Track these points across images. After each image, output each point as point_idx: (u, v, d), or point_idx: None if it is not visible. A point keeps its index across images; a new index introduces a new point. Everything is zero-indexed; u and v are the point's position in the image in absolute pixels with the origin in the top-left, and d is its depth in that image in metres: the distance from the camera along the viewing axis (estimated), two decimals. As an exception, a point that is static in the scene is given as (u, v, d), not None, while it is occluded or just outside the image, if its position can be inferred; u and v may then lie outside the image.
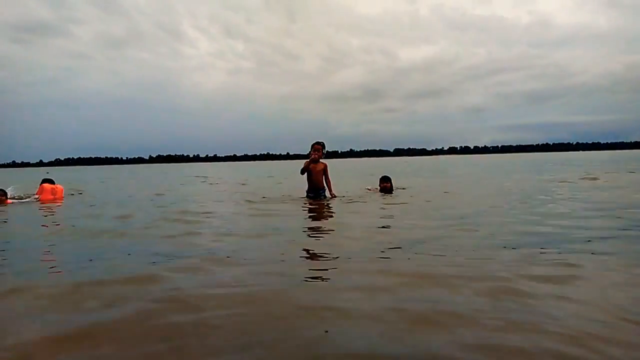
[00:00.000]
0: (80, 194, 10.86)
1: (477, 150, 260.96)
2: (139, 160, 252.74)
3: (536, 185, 10.18)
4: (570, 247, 3.42)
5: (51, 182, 9.25)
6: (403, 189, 9.44)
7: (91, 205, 7.99)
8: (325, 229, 4.69)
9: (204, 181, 17.26)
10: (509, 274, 2.63)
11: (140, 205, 7.60)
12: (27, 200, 8.67)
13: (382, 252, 3.38)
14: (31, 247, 3.94)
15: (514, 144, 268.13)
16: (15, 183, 10.46)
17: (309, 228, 4.81)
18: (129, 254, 3.47)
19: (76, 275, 2.84)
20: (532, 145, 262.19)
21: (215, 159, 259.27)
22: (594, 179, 11.23)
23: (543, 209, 5.82)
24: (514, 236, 3.96)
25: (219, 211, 6.55)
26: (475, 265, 2.91)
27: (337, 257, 3.24)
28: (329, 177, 7.82)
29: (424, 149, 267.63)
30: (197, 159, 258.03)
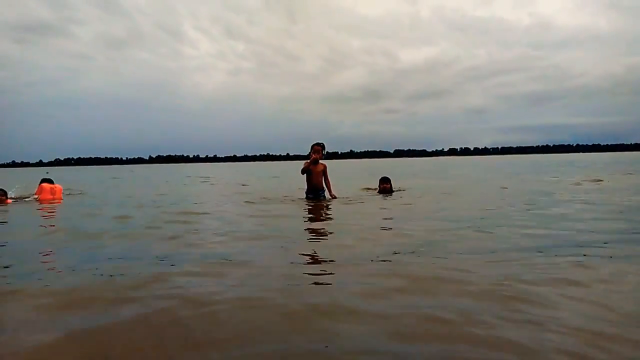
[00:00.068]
0: (80, 194, 10.85)
1: (478, 151, 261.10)
2: (139, 161, 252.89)
3: (539, 186, 10.15)
4: (580, 250, 3.34)
5: (50, 181, 9.24)
6: (403, 190, 9.41)
7: (91, 206, 7.97)
8: (326, 230, 4.65)
9: (205, 181, 17.25)
10: (516, 277, 2.57)
11: (142, 206, 7.59)
12: (26, 199, 8.66)
13: (384, 254, 3.33)
14: (32, 249, 3.89)
15: (515, 146, 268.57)
16: (15, 183, 10.46)
17: (310, 230, 4.77)
18: (130, 256, 3.43)
19: (77, 277, 2.81)
20: (532, 147, 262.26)
21: (215, 159, 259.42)
22: (598, 180, 11.19)
23: (547, 210, 5.76)
24: (520, 239, 3.91)
25: (220, 212, 6.53)
26: (481, 268, 2.87)
27: (339, 260, 3.20)
28: (329, 178, 7.79)
29: (424, 150, 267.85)
30: (197, 159, 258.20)
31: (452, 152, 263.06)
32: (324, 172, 7.71)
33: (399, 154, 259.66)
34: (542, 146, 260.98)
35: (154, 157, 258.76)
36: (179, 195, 10.17)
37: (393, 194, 8.58)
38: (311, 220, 5.71)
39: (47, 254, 3.69)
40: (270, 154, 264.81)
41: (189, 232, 4.58)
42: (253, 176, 22.05)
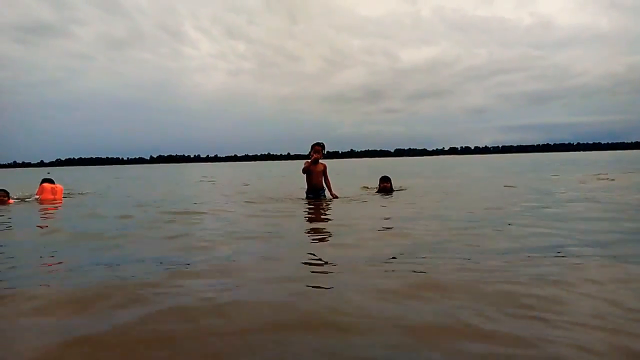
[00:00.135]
0: (81, 194, 10.86)
1: (478, 150, 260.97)
2: (140, 161, 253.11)
3: (542, 184, 10.13)
4: (586, 250, 3.29)
5: (51, 182, 9.26)
6: (403, 189, 9.41)
7: (93, 206, 7.98)
8: (326, 231, 4.62)
9: (204, 181, 17.25)
10: (522, 281, 2.54)
11: (142, 206, 7.59)
12: (28, 200, 8.68)
13: (387, 256, 3.27)
14: (34, 250, 3.87)
15: (515, 144, 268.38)
16: (16, 183, 10.47)
17: (310, 230, 4.74)
18: (130, 259, 3.41)
19: (79, 280, 2.78)
20: (533, 146, 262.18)
21: (215, 159, 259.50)
22: (602, 178, 11.19)
23: (552, 209, 5.71)
24: (525, 238, 3.86)
25: (221, 212, 6.53)
26: (487, 269, 2.83)
27: (339, 261, 3.15)
28: (329, 178, 7.81)
29: (425, 149, 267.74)
30: (197, 159, 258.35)
31: (453, 151, 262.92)
32: (324, 171, 7.72)
33: (399, 153, 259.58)
34: (543, 145, 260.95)
35: (155, 157, 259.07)
36: (182, 196, 10.18)
37: (393, 193, 8.58)
38: (312, 220, 5.70)
39: (48, 256, 3.65)
40: (271, 153, 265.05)
41: (189, 233, 4.57)
42: (255, 176, 22.05)
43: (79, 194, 10.74)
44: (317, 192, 7.71)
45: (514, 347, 1.71)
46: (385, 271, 2.85)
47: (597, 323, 1.92)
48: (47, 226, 5.56)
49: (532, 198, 7.19)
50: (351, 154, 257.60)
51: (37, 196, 8.72)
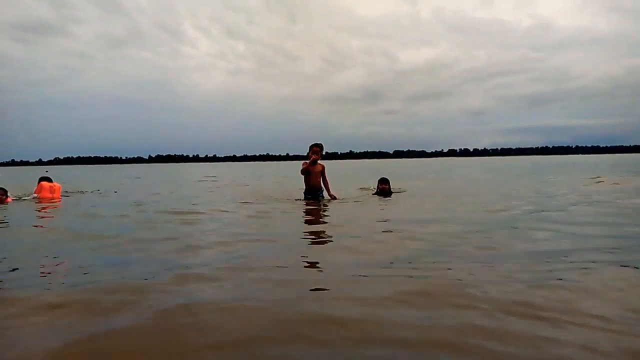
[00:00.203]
0: (79, 192, 10.86)
1: (477, 152, 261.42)
2: (139, 160, 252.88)
3: (541, 187, 10.14)
4: (592, 255, 3.28)
5: (49, 180, 9.25)
6: (402, 191, 9.41)
7: (92, 206, 7.96)
8: (324, 234, 4.57)
9: (204, 181, 17.24)
10: (527, 287, 2.48)
11: (141, 206, 7.58)
12: (26, 198, 8.67)
13: (384, 261, 3.21)
14: (32, 251, 3.82)
15: (514, 147, 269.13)
16: (14, 181, 10.45)
17: (308, 232, 4.68)
18: (127, 260, 3.38)
19: (76, 282, 2.74)
20: (531, 148, 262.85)
21: (214, 159, 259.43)
22: (606, 182, 11.18)
23: (552, 213, 5.65)
24: (525, 243, 3.80)
25: (219, 213, 6.52)
26: (487, 275, 2.76)
27: (336, 266, 3.10)
28: (327, 179, 7.82)
29: (424, 151, 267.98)
30: (196, 159, 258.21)
31: (452, 153, 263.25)
32: (323, 172, 7.73)
33: (398, 154, 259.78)
34: (542, 147, 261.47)
35: (154, 156, 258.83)
36: (180, 195, 10.17)
37: (392, 195, 8.57)
38: (310, 222, 5.66)
39: (46, 257, 3.61)
40: (270, 154, 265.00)
41: (187, 234, 4.55)
42: (253, 176, 22.04)
43: (80, 192, 10.74)
44: (315, 193, 7.71)
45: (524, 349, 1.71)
46: (383, 276, 2.80)
47: (608, 326, 1.91)
48: (45, 226, 5.55)
49: (533, 201, 7.17)
50: (350, 155, 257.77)
51: (36, 195, 8.72)
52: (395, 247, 3.72)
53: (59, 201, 8.57)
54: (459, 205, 7.01)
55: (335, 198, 7.67)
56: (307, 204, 7.19)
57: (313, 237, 4.40)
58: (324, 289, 2.55)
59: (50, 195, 8.78)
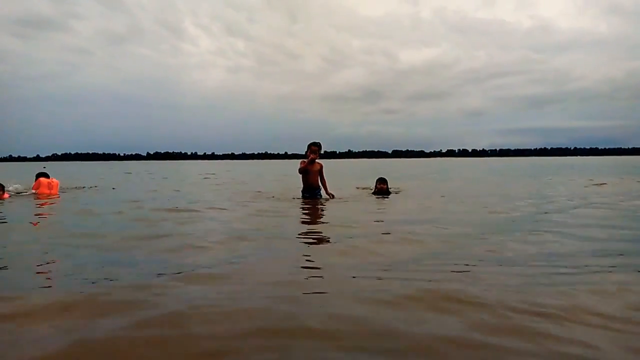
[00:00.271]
0: (82, 188, 10.85)
1: (475, 153, 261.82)
2: (137, 157, 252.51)
3: (537, 189, 10.17)
4: (595, 259, 3.23)
5: (47, 176, 9.24)
6: (399, 191, 9.42)
7: (89, 203, 7.95)
8: (322, 235, 4.50)
9: (201, 179, 17.23)
10: (530, 289, 2.44)
11: (137, 203, 7.57)
12: (24, 193, 8.65)
13: (381, 263, 3.15)
14: (26, 250, 3.74)
15: (512, 148, 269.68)
16: (11, 176, 10.43)
17: (305, 233, 4.59)
18: (122, 260, 3.33)
19: (72, 284, 2.67)
20: (530, 150, 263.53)
21: (213, 157, 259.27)
22: (606, 184, 11.23)
23: (554, 216, 5.61)
24: (524, 245, 3.73)
25: (216, 212, 6.52)
26: (488, 280, 2.69)
27: (335, 268, 3.07)
28: (325, 178, 7.83)
29: (423, 151, 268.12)
30: (195, 156, 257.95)
31: (450, 153, 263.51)
32: (321, 171, 7.74)
33: (397, 154, 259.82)
34: (540, 149, 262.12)
35: (152, 153, 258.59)
36: (177, 193, 10.16)
37: (390, 194, 8.58)
38: (307, 222, 5.58)
39: (41, 256, 3.49)
40: (269, 152, 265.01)
41: (183, 234, 4.52)
42: (252, 174, 22.04)
43: (76, 188, 10.71)
44: (313, 192, 7.71)
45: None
46: (382, 279, 2.76)
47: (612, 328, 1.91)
48: (42, 223, 5.52)
49: (534, 202, 7.15)
50: (349, 154, 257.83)
51: (34, 191, 8.70)
52: (394, 249, 3.67)
53: (57, 197, 8.56)
54: (458, 206, 6.97)
55: (333, 196, 7.67)
56: (305, 203, 7.19)
57: (310, 237, 4.34)
58: (321, 293, 2.51)
59: (48, 192, 8.76)
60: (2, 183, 8.23)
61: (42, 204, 7.36)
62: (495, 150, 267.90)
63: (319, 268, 3.08)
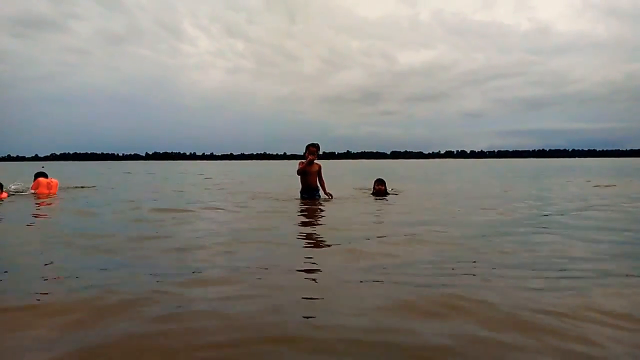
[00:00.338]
0: (81, 187, 10.85)
1: (474, 154, 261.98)
2: (135, 157, 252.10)
3: (536, 190, 10.19)
4: (598, 262, 3.20)
5: (45, 176, 9.25)
6: (397, 192, 9.44)
7: (88, 203, 7.95)
8: (319, 237, 4.45)
9: (199, 178, 17.23)
10: (533, 293, 2.41)
11: (135, 204, 7.58)
12: (23, 193, 8.65)
13: (379, 267, 3.11)
14: (23, 253, 3.68)
15: (511, 149, 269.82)
16: (10, 176, 10.42)
17: (304, 236, 4.53)
18: (118, 263, 3.27)
19: (69, 288, 2.61)
20: (528, 151, 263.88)
21: (211, 157, 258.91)
22: (605, 186, 11.25)
23: (555, 218, 5.56)
24: (531, 250, 3.63)
25: (214, 213, 6.52)
26: (492, 283, 2.65)
27: (332, 271, 3.03)
28: (323, 178, 7.86)
29: (421, 152, 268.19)
30: (193, 157, 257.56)
31: (449, 154, 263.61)
32: (319, 172, 7.78)
33: (395, 155, 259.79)
34: (538, 150, 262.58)
35: (151, 153, 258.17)
36: (175, 193, 10.17)
37: (388, 196, 8.62)
38: (305, 224, 5.50)
39: (39, 260, 3.42)
40: (267, 153, 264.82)
41: (181, 235, 4.51)
42: (250, 175, 22.03)
43: (75, 187, 10.72)
44: (311, 192, 7.75)
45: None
46: (381, 283, 2.71)
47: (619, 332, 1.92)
48: (40, 225, 5.47)
49: (533, 204, 7.14)
50: (347, 155, 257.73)
51: (33, 190, 8.71)
52: (393, 251, 3.64)
53: (56, 196, 8.57)
54: (457, 208, 6.95)
55: (331, 196, 7.71)
56: (304, 204, 7.21)
57: (309, 239, 4.29)
58: (320, 298, 2.47)
59: (47, 191, 8.78)
60: (1, 182, 8.23)
61: (41, 204, 7.36)
62: (494, 151, 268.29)
63: (317, 272, 3.02)
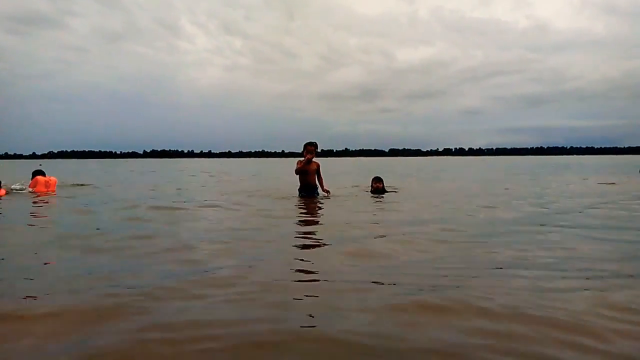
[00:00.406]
0: (80, 185, 10.84)
1: (472, 152, 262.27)
2: (133, 155, 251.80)
3: (534, 187, 10.20)
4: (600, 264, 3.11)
5: (43, 174, 9.24)
6: (395, 190, 9.46)
7: (86, 202, 7.94)
8: (318, 237, 4.36)
9: (198, 175, 17.22)
10: (537, 298, 2.34)
11: (131, 202, 7.56)
12: (21, 192, 8.63)
13: (378, 269, 3.05)
14: (19, 255, 3.60)
15: (509, 147, 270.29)
16: (8, 174, 10.39)
17: (301, 235, 4.48)
18: (117, 264, 3.23)
19: (70, 292, 2.55)
20: (526, 148, 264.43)
21: (209, 155, 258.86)
22: (605, 183, 11.28)
23: (557, 217, 5.46)
24: (534, 253, 3.52)
25: (213, 212, 6.51)
26: (493, 287, 2.57)
27: (330, 274, 2.95)
28: (322, 176, 7.89)
29: (419, 150, 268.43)
30: (191, 154, 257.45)
31: (447, 152, 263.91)
32: (318, 170, 7.80)
33: (394, 153, 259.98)
34: (536, 148, 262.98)
35: (149, 151, 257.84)
36: (175, 192, 10.16)
37: (386, 193, 8.64)
38: (303, 222, 5.44)
39: (35, 261, 3.37)
40: (265, 150, 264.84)
41: (179, 235, 4.47)
42: (249, 172, 22.03)
43: (73, 185, 10.70)
44: (310, 191, 7.77)
45: None
46: (382, 285, 2.65)
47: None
48: (37, 225, 5.38)
49: (535, 202, 7.12)
50: (346, 153, 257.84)
51: (31, 189, 8.69)
52: (395, 250, 3.60)
53: (54, 194, 8.55)
54: (455, 206, 6.92)
55: (329, 192, 7.73)
56: (302, 202, 7.22)
57: (307, 240, 4.20)
58: (320, 301, 2.42)
59: (45, 190, 8.77)
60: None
61: (38, 203, 7.34)
62: (492, 149, 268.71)
63: (316, 274, 2.96)
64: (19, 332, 1.98)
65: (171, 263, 3.23)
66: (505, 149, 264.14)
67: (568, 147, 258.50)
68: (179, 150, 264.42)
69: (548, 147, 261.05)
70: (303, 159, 7.59)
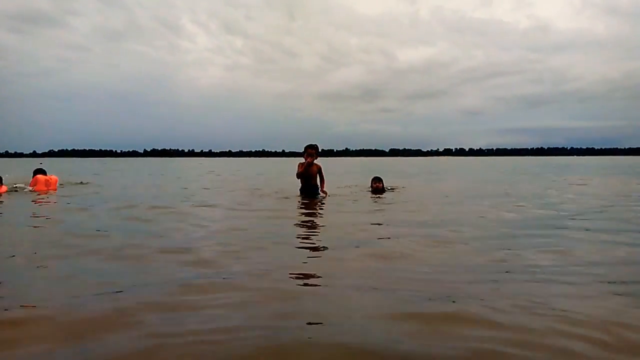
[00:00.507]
0: (80, 184, 10.83)
1: (472, 152, 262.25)
2: (134, 154, 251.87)
3: (535, 188, 10.19)
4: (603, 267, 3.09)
5: (44, 172, 9.24)
6: (395, 190, 9.45)
7: (86, 202, 7.93)
8: (318, 238, 4.38)
9: (199, 174, 17.21)
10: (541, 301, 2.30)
11: (131, 202, 7.56)
12: (23, 190, 8.63)
13: (377, 270, 3.05)
14: (17, 257, 3.54)
15: (509, 147, 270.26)
16: (7, 172, 10.38)
17: (301, 236, 4.46)
18: (115, 265, 3.21)
19: (71, 296, 2.52)
20: (527, 149, 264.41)
21: (210, 154, 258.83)
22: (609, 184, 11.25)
23: (557, 222, 5.33)
24: (533, 255, 3.50)
25: (213, 212, 6.50)
26: (495, 289, 2.56)
27: (330, 276, 2.92)
28: (324, 177, 7.93)
29: (420, 150, 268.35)
30: (191, 153, 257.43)
31: (447, 152, 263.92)
32: (319, 172, 7.82)
33: (394, 153, 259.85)
34: (537, 148, 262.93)
35: (149, 150, 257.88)
36: (175, 191, 10.15)
37: (385, 193, 8.65)
38: (303, 224, 5.39)
39: (33, 262, 3.32)
40: (266, 150, 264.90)
41: (178, 236, 4.47)
42: (249, 172, 22.01)
43: (73, 183, 10.69)
44: (311, 192, 7.79)
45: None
46: (381, 288, 2.64)
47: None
48: (36, 224, 5.34)
49: (537, 204, 7.08)
50: (346, 153, 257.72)
51: (31, 187, 8.69)
52: (393, 253, 3.58)
53: (55, 193, 8.55)
54: (456, 207, 6.89)
55: (326, 193, 7.74)
56: (302, 203, 7.20)
57: (311, 242, 4.14)
58: (322, 306, 2.36)
59: (45, 189, 8.77)
60: (0, 176, 8.18)
61: (38, 202, 7.32)
62: (492, 149, 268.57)
63: (317, 277, 2.92)
64: (15, 339, 1.92)
65: (173, 266, 3.18)
66: (505, 149, 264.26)
67: (568, 148, 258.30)
68: (179, 149, 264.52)
69: (548, 148, 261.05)
70: (304, 161, 7.62)
